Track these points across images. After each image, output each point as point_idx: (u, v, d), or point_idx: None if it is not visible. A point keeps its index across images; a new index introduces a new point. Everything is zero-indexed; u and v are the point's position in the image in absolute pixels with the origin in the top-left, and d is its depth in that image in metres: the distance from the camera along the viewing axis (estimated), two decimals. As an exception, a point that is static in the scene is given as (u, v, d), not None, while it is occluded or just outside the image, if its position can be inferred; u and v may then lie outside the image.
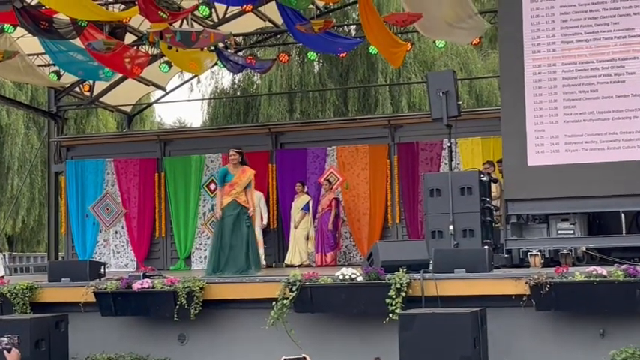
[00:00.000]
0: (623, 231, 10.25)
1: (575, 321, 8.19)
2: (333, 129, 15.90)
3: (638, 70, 10.15)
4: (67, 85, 16.79)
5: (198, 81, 24.43)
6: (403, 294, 8.28)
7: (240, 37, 16.57)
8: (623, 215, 10.23)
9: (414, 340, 7.51)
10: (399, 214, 14.99)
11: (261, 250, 13.01)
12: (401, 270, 8.44)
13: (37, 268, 20.78)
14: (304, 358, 7.50)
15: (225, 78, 25.08)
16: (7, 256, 19.95)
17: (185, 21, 12.81)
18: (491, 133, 13.73)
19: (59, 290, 9.80)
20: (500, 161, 11.74)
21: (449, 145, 10.71)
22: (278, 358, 7.47)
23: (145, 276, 9.50)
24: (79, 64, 14.22)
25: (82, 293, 9.41)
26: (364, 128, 15.63)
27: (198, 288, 9.04)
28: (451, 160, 11.05)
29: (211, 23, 14.89)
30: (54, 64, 15.15)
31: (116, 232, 16.35)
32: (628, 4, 10.28)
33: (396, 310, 8.11)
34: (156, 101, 20.98)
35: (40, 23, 11.48)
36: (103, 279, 9.82)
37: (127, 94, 17.75)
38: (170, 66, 15.83)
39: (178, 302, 8.97)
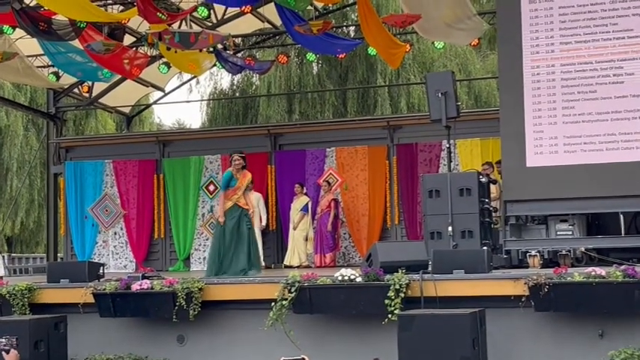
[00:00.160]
0: (622, 232, 10.24)
1: (574, 322, 8.19)
2: (332, 130, 15.87)
3: (637, 71, 10.13)
4: (65, 87, 16.78)
5: (197, 82, 24.46)
6: (402, 295, 8.28)
7: (239, 38, 16.57)
8: (622, 216, 10.22)
9: (413, 340, 7.52)
10: (398, 215, 14.98)
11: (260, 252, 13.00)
12: (400, 271, 8.44)
13: (36, 270, 20.70)
14: (303, 359, 7.51)
15: (224, 79, 25.10)
16: (6, 257, 19.91)
17: (184, 22, 12.79)
18: (490, 134, 13.72)
19: (58, 291, 9.80)
20: (499, 162, 11.73)
21: (448, 146, 10.73)
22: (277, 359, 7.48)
23: (144, 277, 9.52)
24: (77, 66, 14.21)
25: (81, 294, 9.42)
26: (363, 129, 15.61)
27: (197, 289, 9.04)
28: (450, 161, 11.07)
29: (210, 24, 14.86)
30: (53, 66, 15.11)
31: (115, 234, 16.33)
32: (627, 5, 10.25)
33: (395, 311, 8.12)
34: (155, 102, 20.91)
35: (39, 24, 11.49)
36: (101, 280, 9.83)
37: (125, 95, 17.74)
38: (169, 67, 15.81)
39: (177, 303, 8.98)
